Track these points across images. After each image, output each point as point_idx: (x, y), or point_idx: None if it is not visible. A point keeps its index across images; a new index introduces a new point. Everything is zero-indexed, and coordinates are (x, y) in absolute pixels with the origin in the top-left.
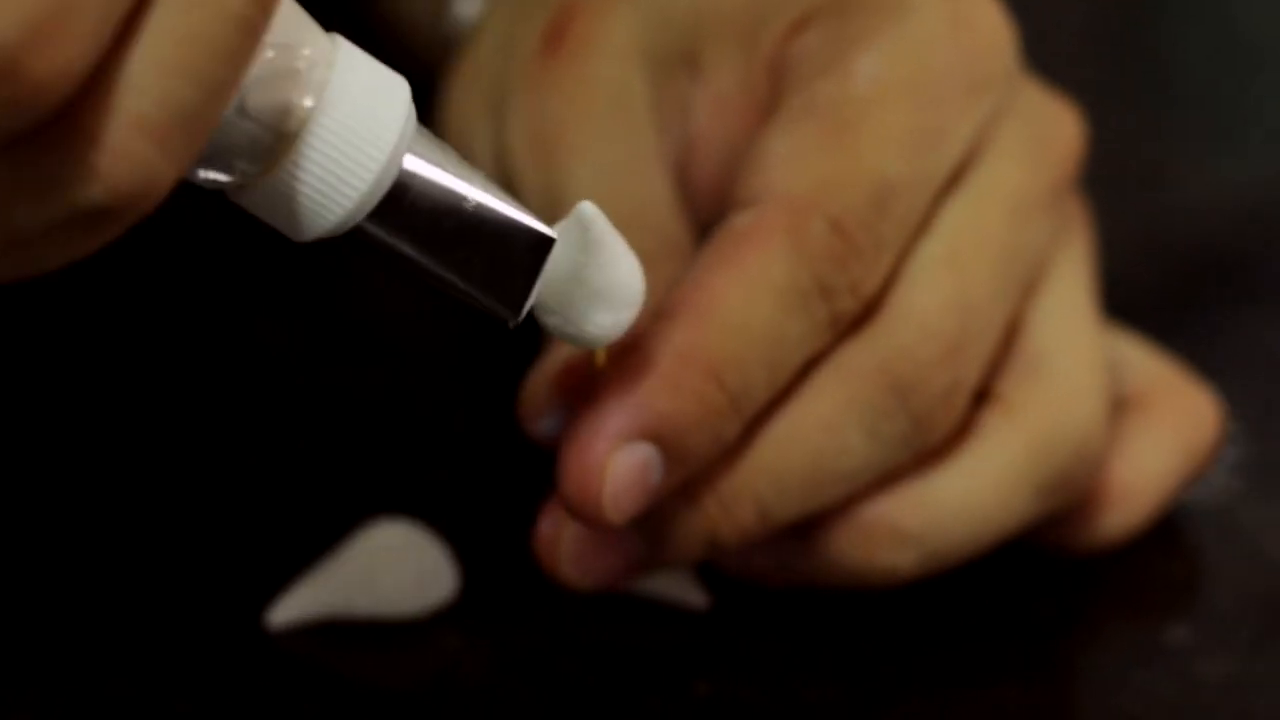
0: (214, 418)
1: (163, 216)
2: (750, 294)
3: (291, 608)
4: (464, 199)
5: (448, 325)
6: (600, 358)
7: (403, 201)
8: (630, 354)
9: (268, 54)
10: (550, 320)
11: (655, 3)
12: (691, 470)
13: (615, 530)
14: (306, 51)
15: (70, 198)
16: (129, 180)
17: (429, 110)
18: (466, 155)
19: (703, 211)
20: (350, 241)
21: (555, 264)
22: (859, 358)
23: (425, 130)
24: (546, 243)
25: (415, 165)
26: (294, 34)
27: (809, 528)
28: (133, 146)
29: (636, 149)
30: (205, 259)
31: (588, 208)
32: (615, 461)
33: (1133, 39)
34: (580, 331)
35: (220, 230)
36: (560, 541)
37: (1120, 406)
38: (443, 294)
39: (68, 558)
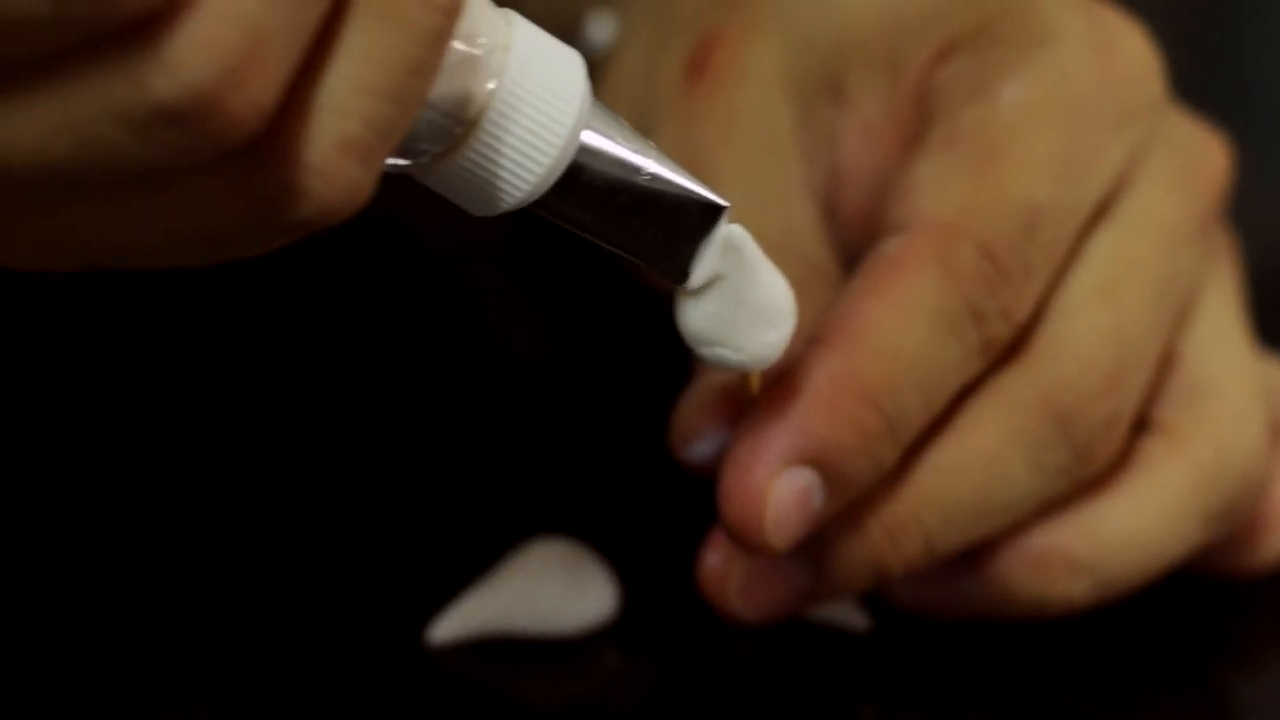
0: (372, 439)
1: (300, 245)
2: (903, 318)
3: (452, 625)
4: (639, 170)
5: (603, 343)
6: (754, 384)
7: (581, 175)
8: (785, 380)
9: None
10: (712, 351)
11: (798, 31)
12: (850, 497)
13: (780, 560)
14: (484, 38)
15: (279, 214)
16: (337, 197)
17: None
18: None
19: (849, 239)
20: (526, 218)
21: (711, 293)
22: (1018, 388)
23: (599, 104)
24: (718, 210)
25: (593, 140)
26: (473, 21)
27: (980, 560)
28: (339, 166)
29: (782, 177)
30: (340, 287)
31: (737, 230)
32: (777, 487)
33: (1205, 64)
34: (745, 354)
35: (357, 258)
36: (728, 576)
37: (1275, 430)
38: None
39: (234, 577)
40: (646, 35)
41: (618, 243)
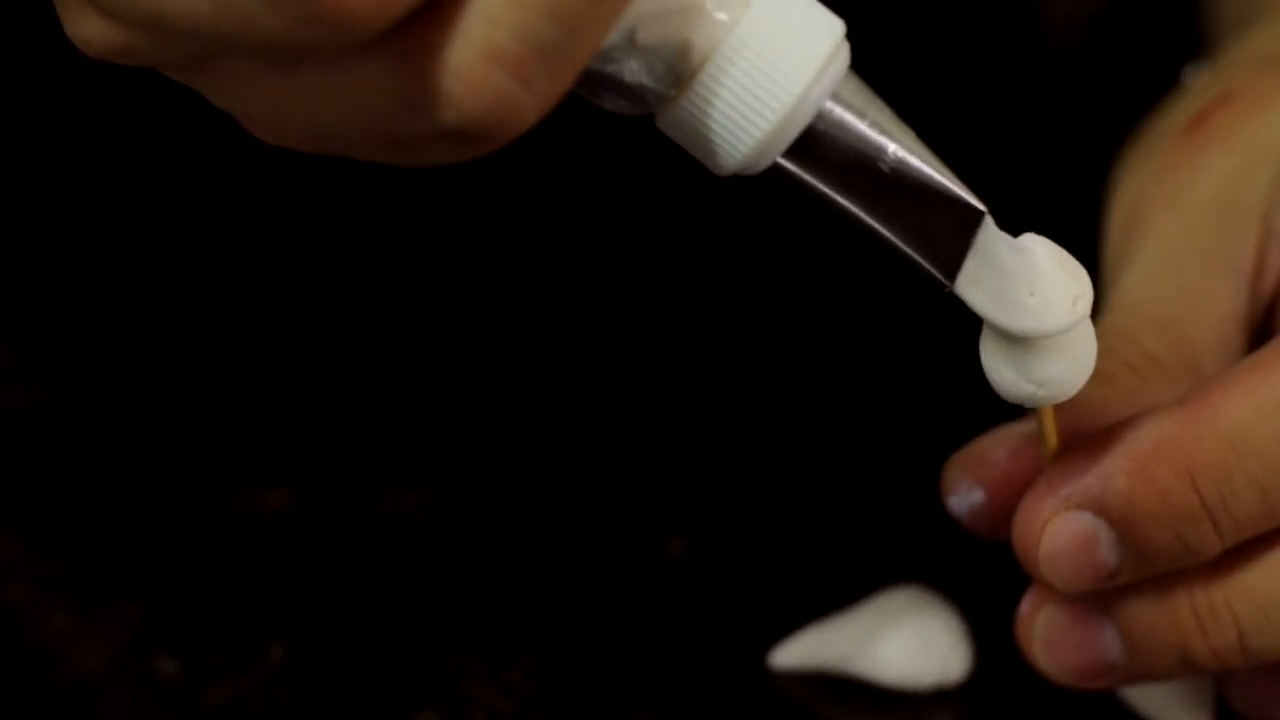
0: (755, 465)
1: None
2: (1262, 407)
3: (795, 653)
4: (883, 151)
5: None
6: (1051, 441)
7: (818, 145)
8: (1115, 430)
9: None
10: (1000, 376)
11: None
12: (1154, 569)
13: (1086, 620)
14: None
15: (424, 114)
16: (482, 107)
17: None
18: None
19: None
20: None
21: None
22: None
23: (861, 82)
24: (974, 214)
25: (835, 112)
26: None
27: None
28: (485, 75)
29: (1217, 252)
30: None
31: (996, 236)
32: (1056, 521)
33: None
34: (1033, 386)
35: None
36: (1035, 623)
37: None
38: None
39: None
40: (1201, 81)
41: (870, 227)
